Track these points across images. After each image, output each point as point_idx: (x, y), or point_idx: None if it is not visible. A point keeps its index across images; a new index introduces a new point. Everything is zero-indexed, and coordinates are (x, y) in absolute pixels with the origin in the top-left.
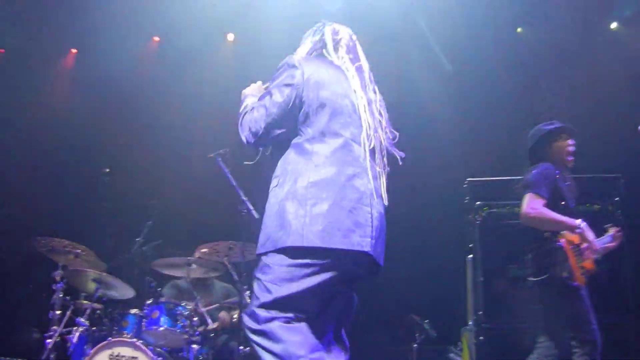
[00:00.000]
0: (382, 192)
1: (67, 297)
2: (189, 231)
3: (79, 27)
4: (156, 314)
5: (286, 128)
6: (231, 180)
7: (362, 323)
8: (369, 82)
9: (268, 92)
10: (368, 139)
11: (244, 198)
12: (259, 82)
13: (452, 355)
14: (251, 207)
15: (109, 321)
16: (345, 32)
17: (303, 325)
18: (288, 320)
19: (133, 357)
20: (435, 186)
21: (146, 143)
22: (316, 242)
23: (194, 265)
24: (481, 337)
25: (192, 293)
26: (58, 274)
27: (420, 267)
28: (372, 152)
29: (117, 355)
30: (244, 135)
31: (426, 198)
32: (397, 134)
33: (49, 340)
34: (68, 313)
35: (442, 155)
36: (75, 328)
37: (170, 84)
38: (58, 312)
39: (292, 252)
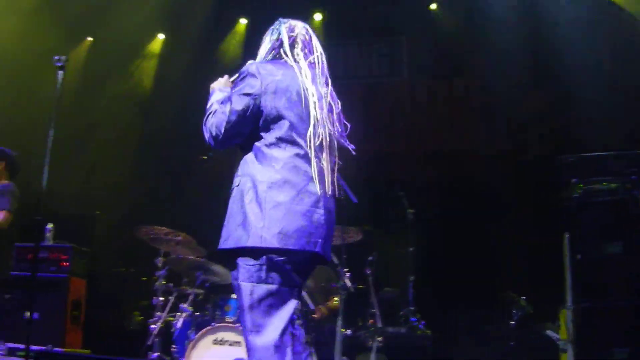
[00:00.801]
0: (328, 186)
1: (170, 284)
2: None
3: None
4: None
5: (245, 133)
6: None
7: (459, 301)
8: (320, 75)
9: (229, 99)
10: (315, 137)
11: (342, 182)
12: (226, 77)
13: (549, 332)
14: (349, 191)
15: (211, 306)
16: (300, 28)
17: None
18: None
19: (236, 342)
20: (530, 163)
21: None
22: (274, 244)
23: None
24: (579, 315)
25: None
26: (160, 261)
27: (518, 244)
28: (321, 148)
29: (220, 340)
30: (207, 137)
31: (521, 175)
32: (349, 125)
33: (153, 326)
34: (171, 299)
35: (536, 131)
36: (178, 314)
37: None
38: (161, 298)
39: (251, 251)
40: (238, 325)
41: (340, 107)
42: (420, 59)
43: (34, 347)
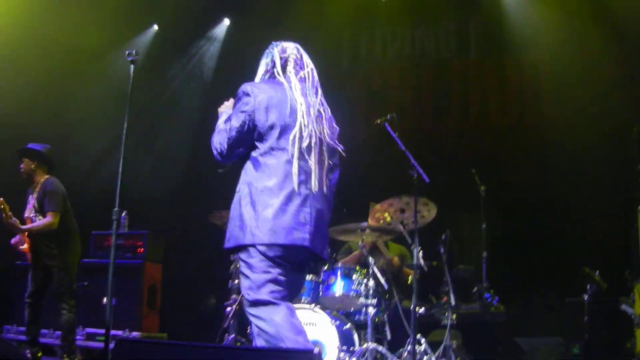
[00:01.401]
0: (324, 188)
1: None
2: (362, 196)
3: None
4: (332, 279)
5: (245, 146)
6: (400, 145)
7: (533, 277)
8: (310, 87)
9: (229, 118)
10: (302, 140)
11: (414, 162)
12: (231, 100)
13: (624, 307)
14: (422, 171)
15: None
16: (292, 48)
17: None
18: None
19: (311, 323)
20: (604, 135)
21: None
22: (264, 240)
23: (367, 230)
24: None
25: (367, 257)
26: None
27: (591, 219)
28: (309, 150)
29: None
30: (214, 154)
31: (596, 148)
32: (338, 128)
33: (228, 309)
34: None
35: (609, 104)
36: None
37: None
38: (236, 281)
39: (250, 248)
40: (313, 305)
41: (330, 113)
42: (489, 37)
43: (111, 332)
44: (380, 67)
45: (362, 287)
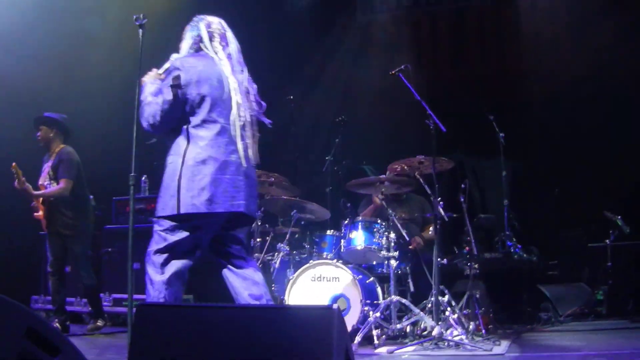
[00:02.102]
0: (252, 157)
1: (266, 225)
2: (379, 148)
3: None
4: (353, 233)
5: (176, 118)
6: (415, 95)
7: (555, 223)
8: (237, 64)
9: (160, 91)
10: (240, 119)
11: (430, 111)
12: (155, 70)
13: None
14: (438, 121)
15: (308, 244)
16: (217, 23)
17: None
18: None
19: (334, 277)
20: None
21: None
22: (202, 209)
23: (386, 183)
24: None
25: (387, 209)
26: None
27: (613, 163)
28: (244, 126)
29: (319, 277)
30: (145, 125)
31: (613, 91)
32: (265, 104)
33: None
34: (268, 239)
35: (627, 45)
36: (276, 253)
37: None
38: (259, 239)
39: (184, 216)
40: (336, 260)
41: (256, 90)
42: None
43: (136, 296)
44: (395, 17)
45: (384, 240)
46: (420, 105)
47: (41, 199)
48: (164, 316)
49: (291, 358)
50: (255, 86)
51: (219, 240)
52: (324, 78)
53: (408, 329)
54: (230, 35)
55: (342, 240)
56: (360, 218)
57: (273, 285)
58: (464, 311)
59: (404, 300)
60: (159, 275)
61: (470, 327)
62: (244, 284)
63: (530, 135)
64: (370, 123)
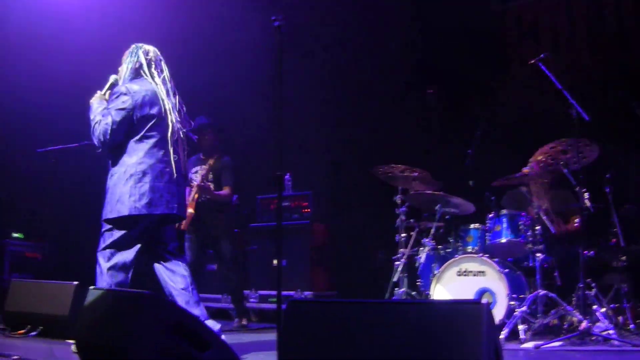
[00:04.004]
0: (182, 168)
1: (411, 220)
2: (520, 138)
3: None
4: (498, 226)
5: (123, 136)
6: (557, 84)
7: None
8: (170, 88)
9: (109, 112)
10: (173, 135)
11: (573, 101)
12: (99, 92)
13: None
14: (581, 110)
15: (453, 238)
16: (153, 51)
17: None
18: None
19: (480, 271)
20: None
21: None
22: (143, 211)
23: (530, 175)
24: None
25: (531, 202)
26: (399, 198)
27: None
28: (177, 141)
29: (464, 271)
30: (96, 142)
31: None
32: (192, 122)
33: (397, 263)
34: (413, 234)
35: None
36: (421, 248)
37: None
38: (404, 234)
39: (127, 218)
40: (481, 254)
41: (185, 111)
42: None
43: (283, 293)
44: (531, 4)
45: (529, 233)
46: (561, 94)
47: (196, 198)
48: (313, 312)
49: (441, 353)
50: (184, 107)
51: (153, 238)
52: (463, 68)
53: (554, 324)
54: (163, 62)
55: (487, 234)
56: (504, 211)
57: (418, 280)
58: (612, 305)
59: (550, 294)
60: (106, 266)
61: (619, 321)
62: (173, 277)
63: None
64: (510, 114)
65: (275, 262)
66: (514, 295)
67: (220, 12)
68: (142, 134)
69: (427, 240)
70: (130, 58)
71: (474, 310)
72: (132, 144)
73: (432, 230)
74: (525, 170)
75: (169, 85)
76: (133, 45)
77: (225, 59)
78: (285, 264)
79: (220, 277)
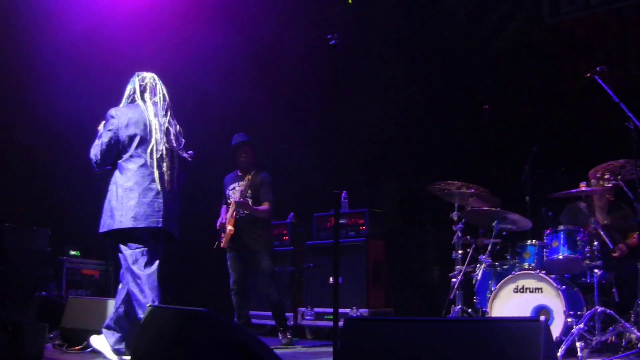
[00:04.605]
0: (172, 183)
1: (468, 236)
2: (576, 152)
3: None
4: (556, 242)
5: (113, 156)
6: (613, 97)
7: None
8: (160, 109)
9: (100, 136)
10: (157, 152)
11: (630, 114)
12: (103, 122)
13: None
14: (635, 119)
15: (510, 255)
16: (149, 78)
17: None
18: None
19: (537, 288)
20: None
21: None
22: (128, 225)
23: (585, 191)
24: None
25: (589, 217)
26: (456, 215)
27: None
28: (162, 158)
29: (521, 288)
30: (91, 163)
31: None
32: (184, 140)
33: (454, 280)
34: (470, 251)
35: None
36: (478, 265)
37: None
38: (460, 251)
39: (117, 231)
40: (538, 271)
41: (178, 129)
42: None
43: (340, 310)
44: (583, 17)
45: (587, 249)
46: (617, 107)
47: (234, 215)
48: (369, 330)
49: None
50: (178, 127)
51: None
52: (517, 83)
53: (612, 341)
54: (159, 86)
55: (544, 250)
56: (562, 227)
57: (475, 297)
58: None
59: (608, 311)
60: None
61: None
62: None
63: None
64: (566, 128)
65: (331, 279)
66: (571, 312)
67: (275, 29)
68: (130, 152)
69: (483, 257)
70: (129, 86)
71: (532, 328)
72: (122, 163)
73: (489, 247)
74: (582, 185)
75: (159, 106)
76: (134, 74)
77: (283, 78)
78: (342, 281)
79: (259, 292)
